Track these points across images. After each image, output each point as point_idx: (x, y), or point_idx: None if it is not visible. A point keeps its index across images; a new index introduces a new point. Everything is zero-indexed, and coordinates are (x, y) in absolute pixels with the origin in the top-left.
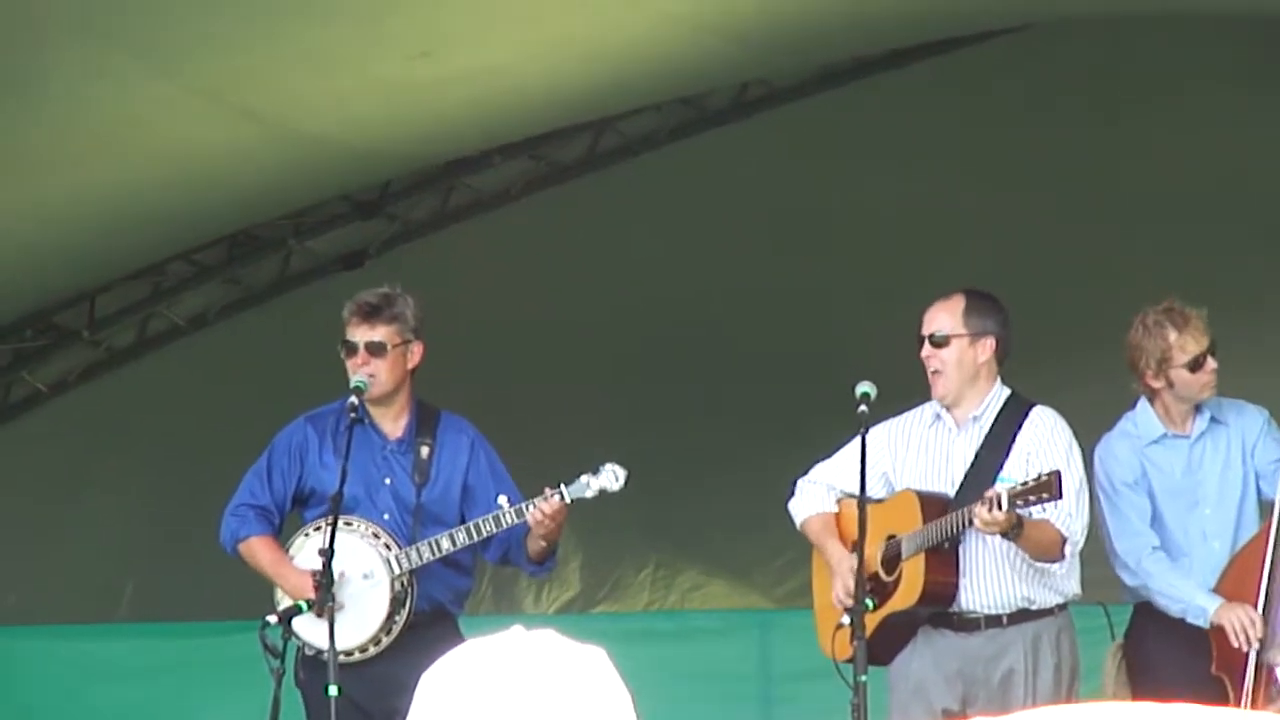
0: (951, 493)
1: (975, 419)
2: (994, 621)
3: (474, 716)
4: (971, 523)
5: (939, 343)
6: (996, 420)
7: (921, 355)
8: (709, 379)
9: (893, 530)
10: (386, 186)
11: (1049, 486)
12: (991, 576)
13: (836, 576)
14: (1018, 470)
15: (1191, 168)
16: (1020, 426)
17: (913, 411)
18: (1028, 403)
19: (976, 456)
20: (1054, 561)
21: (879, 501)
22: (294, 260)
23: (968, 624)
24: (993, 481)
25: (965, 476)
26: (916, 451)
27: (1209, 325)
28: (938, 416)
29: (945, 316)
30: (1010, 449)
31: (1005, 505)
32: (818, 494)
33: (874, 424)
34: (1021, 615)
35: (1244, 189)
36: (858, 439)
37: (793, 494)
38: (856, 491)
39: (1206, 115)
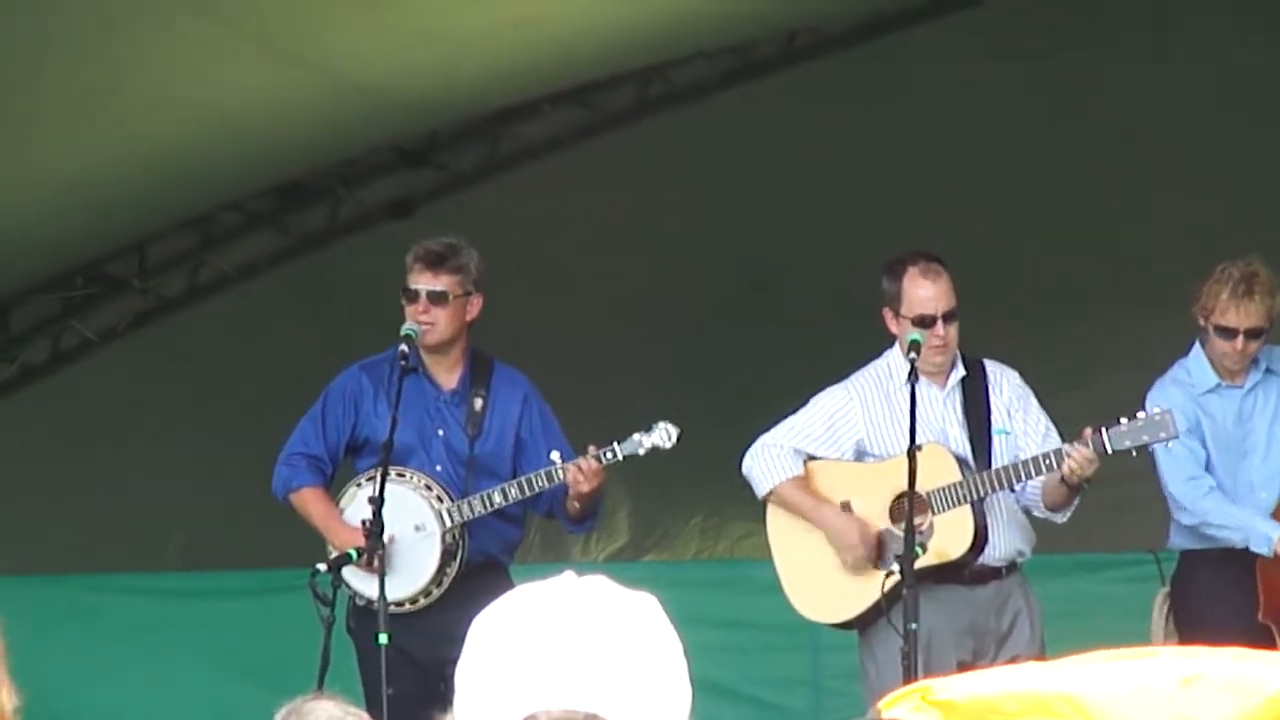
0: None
1: (962, 379)
2: (996, 574)
3: (526, 660)
4: (1058, 465)
5: (954, 318)
6: (962, 378)
7: (935, 335)
8: (757, 327)
9: (904, 487)
10: (434, 136)
11: (1166, 425)
12: (1001, 531)
13: (848, 535)
14: (1005, 424)
15: (1239, 108)
16: (985, 382)
17: (869, 375)
18: (973, 359)
19: (968, 416)
20: (1063, 511)
21: (880, 460)
22: (343, 209)
23: (979, 576)
24: (988, 436)
25: (970, 436)
26: (907, 416)
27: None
28: (916, 379)
29: (950, 291)
30: (988, 405)
31: (1110, 447)
32: (785, 459)
33: (828, 385)
34: (1012, 566)
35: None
36: (818, 403)
37: (748, 453)
38: (821, 454)
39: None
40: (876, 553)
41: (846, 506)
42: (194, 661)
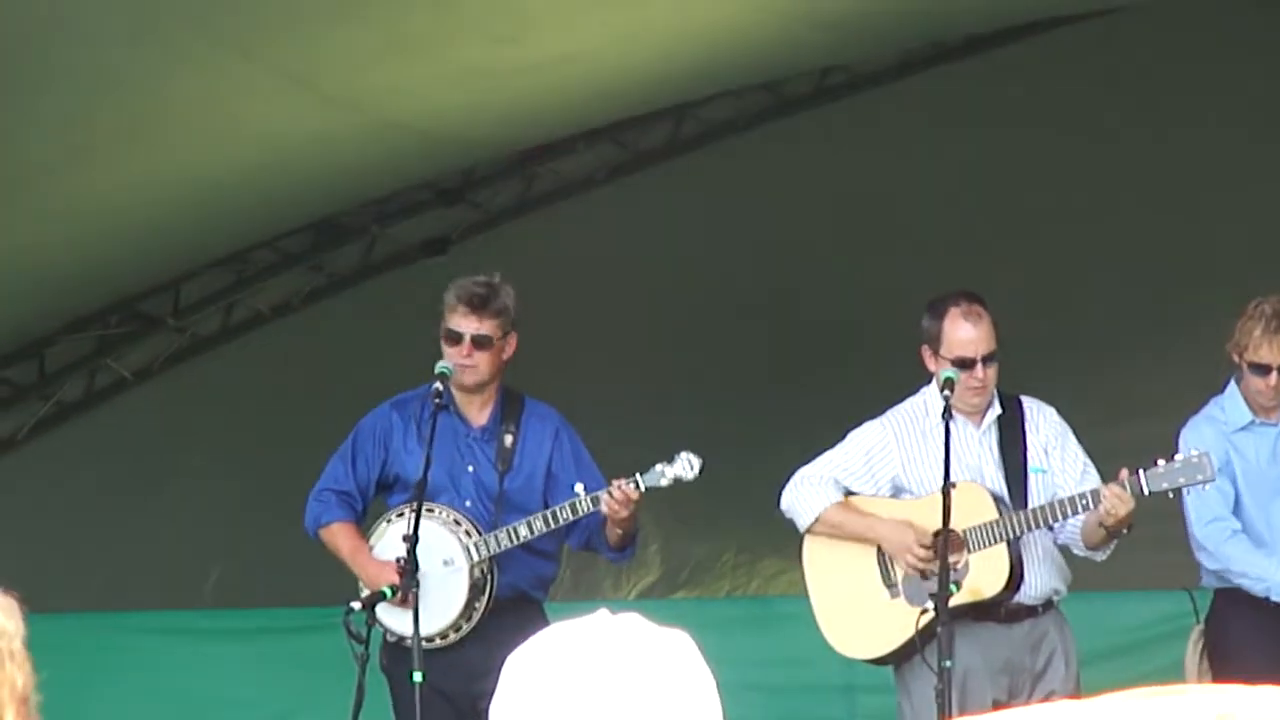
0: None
1: (998, 417)
2: (1032, 612)
3: (559, 699)
4: (1095, 505)
5: (993, 360)
6: (999, 416)
7: (974, 377)
8: (789, 363)
9: (939, 524)
10: (469, 173)
11: (1202, 467)
12: (1037, 569)
13: (899, 547)
14: (1042, 462)
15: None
16: (1022, 419)
17: (905, 411)
18: (1010, 396)
19: (1004, 454)
20: (1103, 550)
21: (916, 497)
22: (377, 247)
23: (1015, 614)
24: (1024, 474)
25: (1006, 474)
26: (942, 453)
27: None
28: (950, 415)
29: (990, 334)
30: (1025, 442)
31: (1146, 489)
32: (826, 489)
33: (863, 421)
34: (1048, 604)
35: None
36: (855, 439)
37: (788, 486)
38: (859, 490)
39: None
40: (933, 547)
41: (881, 551)
42: (229, 699)
